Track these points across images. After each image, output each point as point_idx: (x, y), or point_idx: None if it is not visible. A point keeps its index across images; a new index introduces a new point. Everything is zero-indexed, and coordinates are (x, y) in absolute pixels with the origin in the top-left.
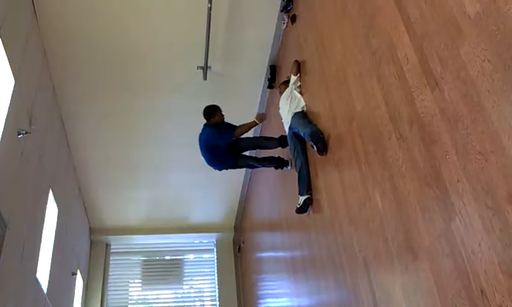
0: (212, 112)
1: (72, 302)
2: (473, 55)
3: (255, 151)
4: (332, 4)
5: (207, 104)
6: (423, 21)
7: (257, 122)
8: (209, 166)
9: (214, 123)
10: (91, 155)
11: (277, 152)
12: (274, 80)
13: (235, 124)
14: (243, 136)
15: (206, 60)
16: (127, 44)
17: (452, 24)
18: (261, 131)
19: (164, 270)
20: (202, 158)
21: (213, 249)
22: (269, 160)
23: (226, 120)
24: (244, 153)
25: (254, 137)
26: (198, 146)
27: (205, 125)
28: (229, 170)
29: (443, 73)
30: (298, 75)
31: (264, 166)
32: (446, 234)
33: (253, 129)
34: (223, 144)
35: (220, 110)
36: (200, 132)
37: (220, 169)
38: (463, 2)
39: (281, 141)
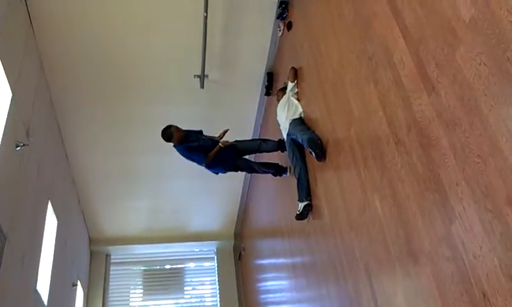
0: (168, 134)
1: None
2: (469, 58)
3: (253, 155)
4: (327, 10)
5: (204, 112)
6: (418, 26)
7: (221, 146)
8: (208, 171)
9: (179, 141)
10: (89, 166)
11: (276, 159)
12: (272, 87)
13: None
14: (242, 139)
15: (203, 68)
16: (124, 54)
17: (447, 28)
18: (259, 137)
19: (164, 279)
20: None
21: (213, 257)
22: (269, 165)
23: (223, 125)
24: (244, 157)
25: (253, 140)
26: None
27: (174, 146)
28: (227, 176)
29: (440, 77)
30: (295, 81)
31: (263, 171)
32: (446, 238)
33: (251, 133)
34: (200, 164)
35: (176, 127)
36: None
37: (223, 172)
38: (458, 6)
39: (280, 145)
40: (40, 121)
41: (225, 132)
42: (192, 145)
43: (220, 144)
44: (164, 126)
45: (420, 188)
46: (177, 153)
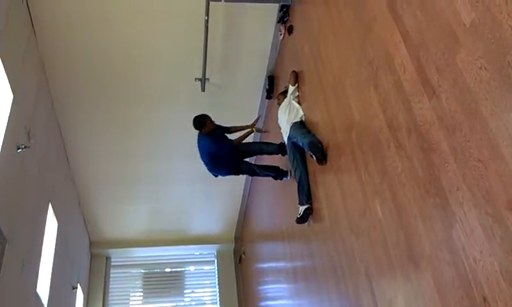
0: (202, 122)
1: None
2: (469, 63)
3: (254, 158)
4: (328, 14)
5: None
6: (419, 30)
7: (254, 130)
8: (209, 174)
9: (208, 132)
10: (90, 168)
11: (277, 163)
12: (272, 91)
13: (227, 126)
14: (243, 142)
15: (204, 72)
16: (125, 57)
17: (448, 33)
18: (260, 140)
19: (164, 282)
20: (202, 168)
21: (214, 261)
22: (270, 168)
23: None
24: (245, 159)
25: (254, 142)
26: (197, 157)
27: (200, 134)
28: (228, 179)
29: (440, 82)
30: (296, 85)
31: (264, 174)
32: (447, 242)
33: (252, 136)
34: (224, 153)
35: (210, 119)
36: (198, 141)
37: (222, 175)
38: (459, 10)
39: (281, 148)
40: (41, 123)
41: (257, 119)
42: (217, 138)
43: (254, 129)
44: (164, 127)
45: (421, 192)
46: (178, 156)
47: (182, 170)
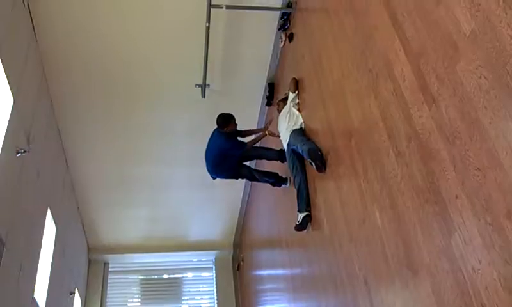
0: (226, 121)
1: None
2: (469, 72)
3: (254, 163)
4: (329, 22)
5: (205, 122)
6: (419, 38)
7: (266, 134)
8: (208, 178)
9: (226, 132)
10: (89, 174)
11: (276, 169)
12: (273, 98)
13: (240, 130)
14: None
15: (204, 78)
16: (126, 64)
17: (448, 42)
18: (261, 145)
19: (162, 289)
20: (201, 174)
21: (212, 267)
22: (269, 174)
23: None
24: (245, 164)
25: (254, 147)
26: (196, 163)
27: (217, 130)
28: (227, 185)
29: (440, 90)
30: (296, 92)
31: (263, 179)
32: (446, 250)
33: None
34: (236, 154)
35: (234, 120)
36: (212, 136)
37: (221, 178)
38: (459, 20)
39: (281, 155)
40: (40, 127)
41: (270, 121)
42: (230, 139)
43: (267, 132)
44: (164, 133)
45: (420, 201)
46: (177, 162)
47: (181, 176)
